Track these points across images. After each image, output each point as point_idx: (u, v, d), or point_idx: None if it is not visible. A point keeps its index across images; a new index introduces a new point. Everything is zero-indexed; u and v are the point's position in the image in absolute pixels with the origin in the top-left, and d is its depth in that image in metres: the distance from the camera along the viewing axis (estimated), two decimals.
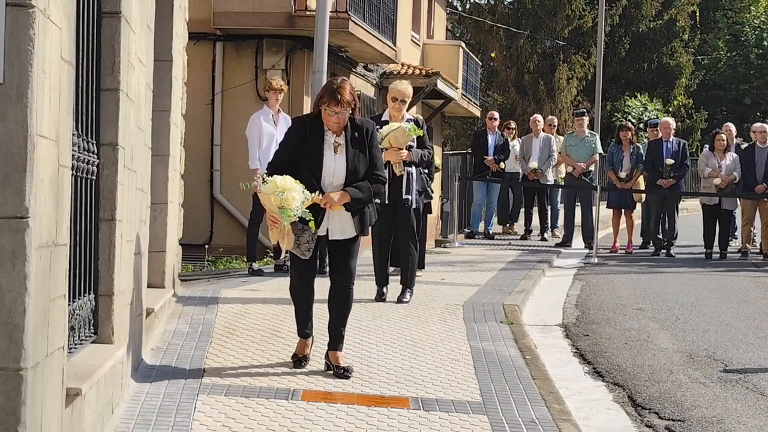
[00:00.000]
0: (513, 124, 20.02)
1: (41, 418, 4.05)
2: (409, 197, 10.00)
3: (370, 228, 7.20)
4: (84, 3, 5.04)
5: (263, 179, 6.69)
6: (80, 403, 4.79)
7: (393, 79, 23.31)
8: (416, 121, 10.00)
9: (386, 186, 9.67)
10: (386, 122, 9.91)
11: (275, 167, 6.84)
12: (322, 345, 7.29)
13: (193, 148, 14.97)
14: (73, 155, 4.76)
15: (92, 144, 5.43)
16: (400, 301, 9.95)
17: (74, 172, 4.87)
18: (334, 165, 6.87)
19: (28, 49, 3.77)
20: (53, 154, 4.12)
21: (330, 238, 6.96)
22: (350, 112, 6.83)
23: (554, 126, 19.47)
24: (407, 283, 10.14)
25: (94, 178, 5.51)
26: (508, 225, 19.70)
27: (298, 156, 6.86)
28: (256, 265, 11.99)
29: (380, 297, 10.01)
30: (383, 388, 6.81)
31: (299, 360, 7.16)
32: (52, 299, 4.18)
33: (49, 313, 4.13)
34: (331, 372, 6.97)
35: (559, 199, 19.48)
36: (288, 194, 6.53)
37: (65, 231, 4.42)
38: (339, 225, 6.95)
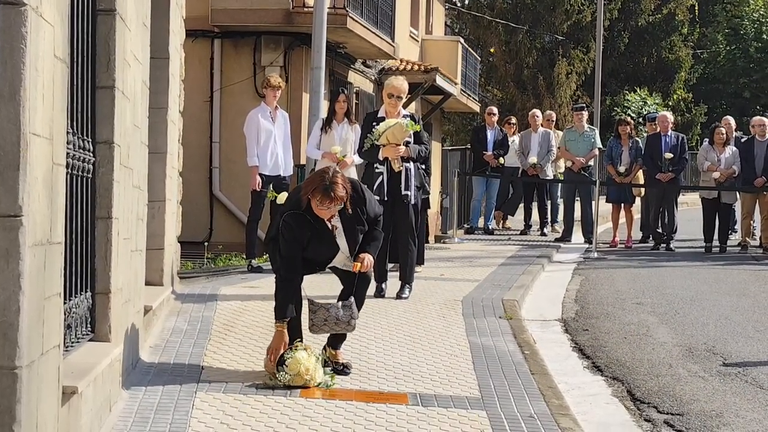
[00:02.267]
0: (513, 120, 20.02)
1: (37, 417, 4.04)
2: (408, 193, 9.99)
3: None
4: (78, 0, 5.04)
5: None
6: (77, 401, 4.79)
7: (391, 75, 23.34)
8: (412, 117, 10.00)
9: (384, 182, 9.73)
10: (382, 119, 9.89)
11: (295, 269, 6.71)
12: (319, 340, 7.28)
13: (192, 145, 14.96)
14: (68, 153, 4.75)
15: (88, 142, 5.43)
16: (399, 296, 9.95)
17: (69, 170, 4.86)
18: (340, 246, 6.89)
19: (21, 47, 3.76)
20: (47, 152, 4.11)
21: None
22: (342, 205, 6.63)
23: (552, 121, 19.45)
24: (406, 279, 10.14)
25: (90, 175, 5.50)
26: (503, 219, 19.67)
27: (312, 249, 6.78)
28: (255, 262, 11.99)
29: (379, 293, 10.00)
30: (382, 384, 6.80)
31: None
32: (47, 297, 4.17)
33: (44, 311, 4.13)
34: (330, 369, 6.97)
35: (559, 193, 19.47)
36: (312, 372, 6.57)
37: (60, 229, 4.41)
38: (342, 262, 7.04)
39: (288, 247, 6.70)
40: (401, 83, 10.01)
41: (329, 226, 6.76)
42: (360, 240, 6.90)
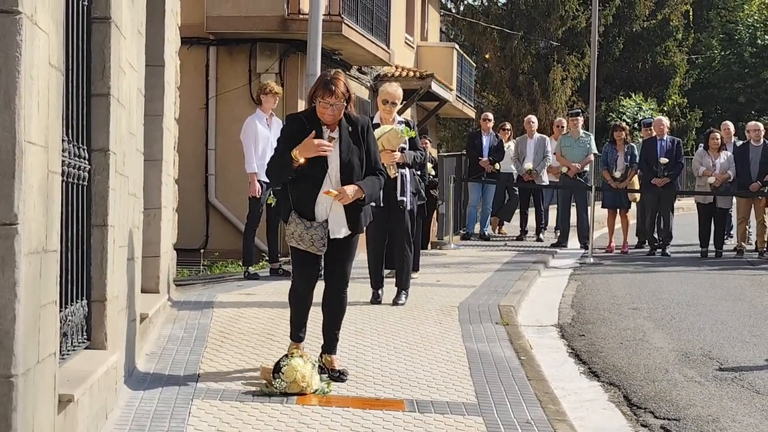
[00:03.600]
0: (508, 126, 20.05)
1: (33, 425, 4.04)
2: (404, 199, 10.00)
3: (365, 228, 7.15)
4: (73, 9, 5.04)
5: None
6: (73, 409, 4.78)
7: (386, 81, 23.33)
8: (407, 123, 10.01)
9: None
10: (377, 125, 9.81)
11: (285, 168, 6.81)
12: (315, 347, 7.27)
13: (188, 152, 14.96)
14: (63, 161, 4.75)
15: (83, 150, 5.43)
16: (395, 303, 9.95)
17: (65, 177, 4.86)
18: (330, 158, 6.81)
19: (15, 55, 3.76)
20: (42, 160, 4.11)
21: (330, 237, 6.87)
22: (345, 104, 6.78)
23: (562, 128, 19.31)
24: (402, 285, 10.14)
25: (85, 183, 5.50)
26: (499, 225, 19.67)
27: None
28: (252, 269, 11.98)
29: (375, 299, 10.00)
30: (378, 390, 6.80)
31: None
32: (43, 305, 4.17)
33: (40, 319, 4.13)
34: (326, 376, 6.95)
35: (548, 200, 19.46)
36: (308, 380, 6.58)
37: (56, 237, 4.41)
38: (336, 223, 6.88)
39: (282, 146, 6.80)
40: (395, 89, 10.02)
41: (326, 135, 6.78)
42: (354, 170, 6.84)
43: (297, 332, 7.07)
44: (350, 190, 6.75)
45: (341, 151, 6.82)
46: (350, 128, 6.85)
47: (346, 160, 6.82)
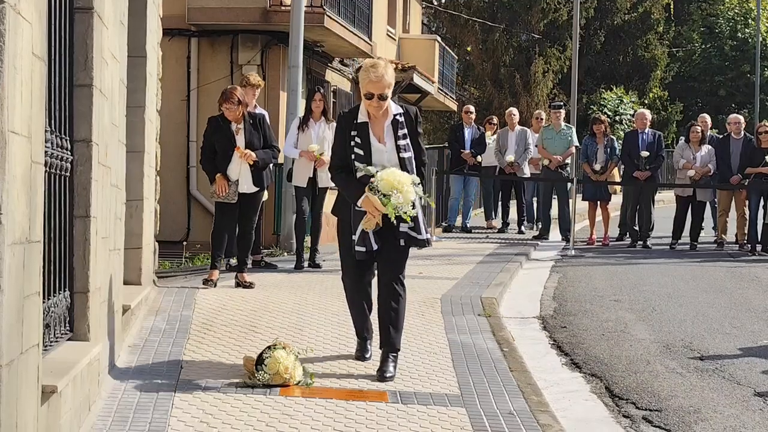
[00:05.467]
0: (495, 120, 20.01)
1: (16, 416, 4.02)
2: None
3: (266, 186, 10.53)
4: None
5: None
6: (56, 400, 4.77)
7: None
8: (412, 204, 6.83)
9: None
10: (365, 124, 6.91)
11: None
12: (298, 340, 7.27)
13: (169, 144, 14.92)
14: (46, 152, 4.73)
15: (66, 140, 5.40)
16: (382, 376, 6.93)
17: (48, 168, 4.84)
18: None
19: None
20: (25, 151, 4.09)
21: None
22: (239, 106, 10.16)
23: (541, 119, 19.38)
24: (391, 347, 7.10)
25: (68, 174, 5.48)
26: (490, 220, 19.67)
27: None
28: (233, 261, 11.93)
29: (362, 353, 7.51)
30: (362, 382, 6.80)
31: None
32: (27, 296, 4.15)
33: (24, 310, 4.11)
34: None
35: (530, 192, 19.49)
36: (291, 371, 6.57)
37: (39, 228, 4.39)
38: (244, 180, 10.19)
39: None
40: (382, 74, 6.76)
41: (234, 127, 10.12)
42: (255, 146, 10.19)
43: (214, 261, 10.38)
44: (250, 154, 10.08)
45: (245, 136, 10.10)
46: (251, 121, 10.25)
47: (248, 141, 10.13)
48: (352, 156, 6.84)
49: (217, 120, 10.23)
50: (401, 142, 6.87)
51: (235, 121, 10.13)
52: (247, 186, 10.21)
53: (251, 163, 10.13)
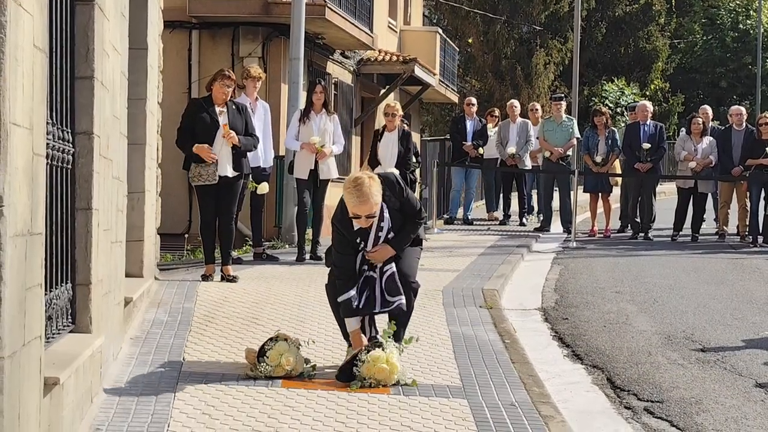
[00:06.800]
0: (497, 112, 19.97)
1: (19, 408, 4.03)
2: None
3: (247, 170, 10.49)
4: None
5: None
6: (59, 392, 4.77)
7: (370, 65, 23.35)
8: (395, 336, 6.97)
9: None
10: (362, 230, 6.85)
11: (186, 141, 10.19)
12: (300, 332, 7.28)
13: (171, 136, 14.86)
14: (47, 144, 4.73)
15: (67, 132, 5.40)
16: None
17: (49, 160, 4.84)
18: None
19: (0, 36, 3.74)
20: (27, 143, 4.09)
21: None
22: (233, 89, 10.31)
23: (537, 111, 19.36)
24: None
25: (69, 166, 5.48)
26: (491, 212, 19.65)
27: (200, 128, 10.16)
28: (235, 254, 11.94)
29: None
30: None
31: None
32: (29, 288, 4.16)
33: (26, 302, 4.11)
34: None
35: (530, 184, 19.46)
36: (293, 363, 6.61)
37: (41, 220, 4.40)
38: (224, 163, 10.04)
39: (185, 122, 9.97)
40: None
41: (217, 110, 10.11)
42: (238, 130, 10.24)
43: (208, 258, 10.15)
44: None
45: (229, 120, 10.00)
46: (234, 107, 10.17)
47: (232, 124, 10.01)
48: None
49: (201, 102, 10.21)
50: (384, 232, 6.93)
51: (219, 104, 10.05)
52: (227, 168, 10.02)
53: (234, 144, 10.01)
